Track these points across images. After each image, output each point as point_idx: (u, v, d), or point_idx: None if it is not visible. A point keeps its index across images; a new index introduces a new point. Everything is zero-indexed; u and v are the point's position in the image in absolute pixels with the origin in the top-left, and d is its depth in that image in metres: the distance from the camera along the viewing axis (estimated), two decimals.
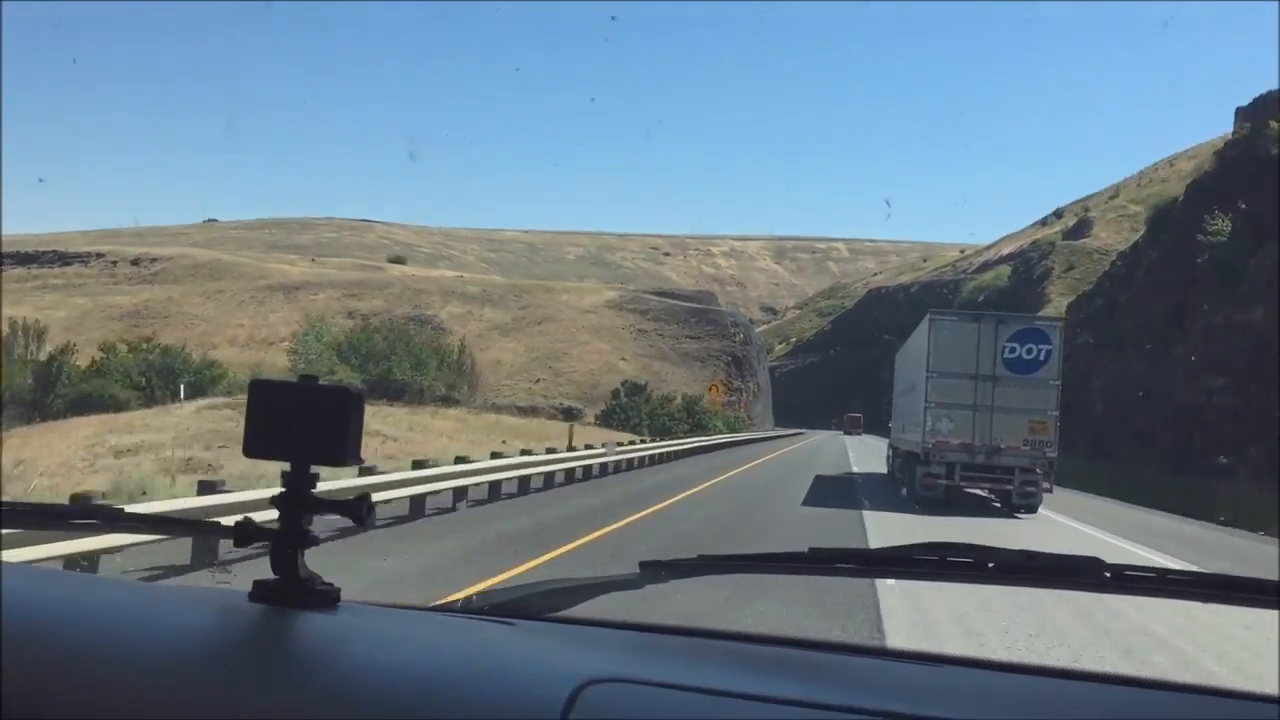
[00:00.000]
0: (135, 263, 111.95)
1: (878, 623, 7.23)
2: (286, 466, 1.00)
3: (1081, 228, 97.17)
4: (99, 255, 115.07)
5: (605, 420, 62.96)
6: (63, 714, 0.77)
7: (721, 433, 59.49)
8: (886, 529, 15.37)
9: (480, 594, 1.37)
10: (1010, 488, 19.56)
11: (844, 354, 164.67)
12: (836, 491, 23.46)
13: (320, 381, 1.00)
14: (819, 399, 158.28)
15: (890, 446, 30.65)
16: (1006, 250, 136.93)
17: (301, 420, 0.98)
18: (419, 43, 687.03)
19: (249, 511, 1.30)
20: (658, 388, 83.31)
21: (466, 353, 73.32)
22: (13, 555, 5.59)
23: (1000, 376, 19.64)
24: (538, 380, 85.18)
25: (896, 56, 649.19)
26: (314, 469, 1.01)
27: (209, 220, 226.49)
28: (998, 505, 20.75)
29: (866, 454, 48.09)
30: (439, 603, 1.36)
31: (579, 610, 1.34)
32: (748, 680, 0.92)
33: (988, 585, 1.29)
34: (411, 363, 57.02)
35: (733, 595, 7.15)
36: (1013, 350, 19.69)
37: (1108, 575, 1.14)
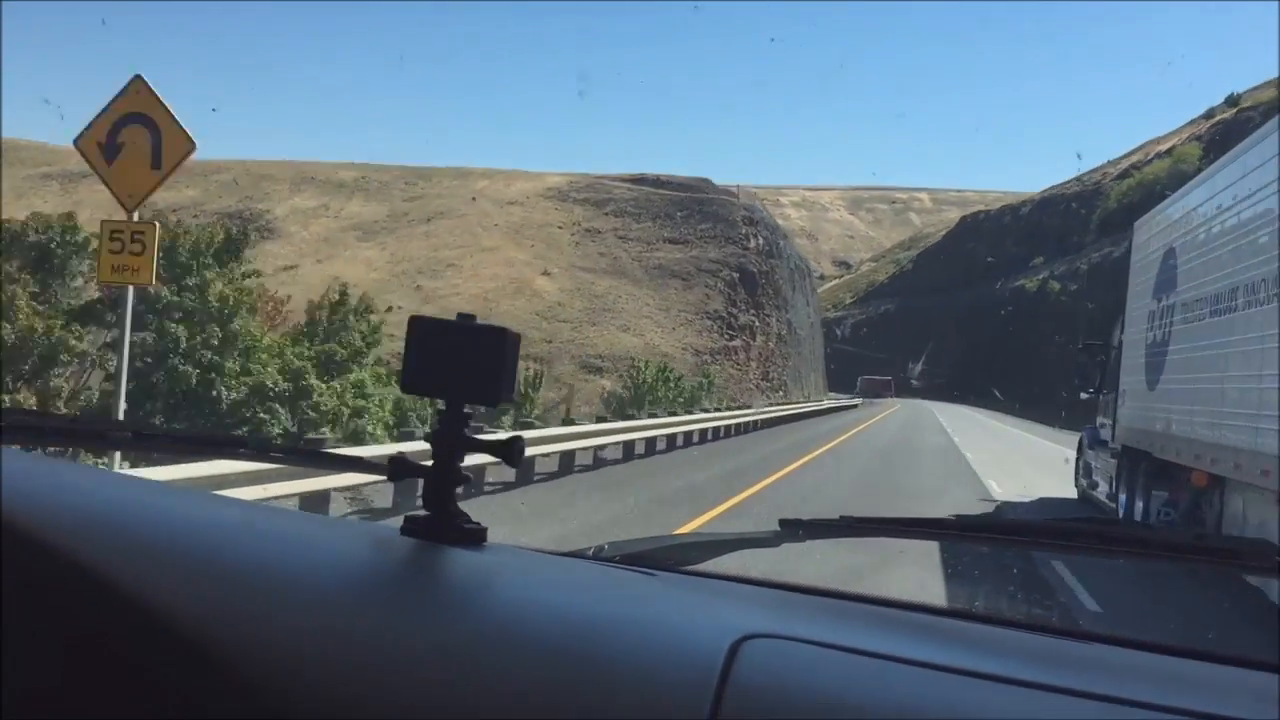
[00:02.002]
0: None
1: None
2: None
3: None
4: None
5: None
6: (226, 635, 0.79)
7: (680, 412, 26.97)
8: None
9: (612, 544, 1.32)
10: None
11: (926, 298, 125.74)
12: None
13: (477, 321, 1.02)
14: (890, 357, 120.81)
15: (1087, 450, 15.71)
16: (1164, 147, 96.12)
17: (458, 359, 1.00)
18: None
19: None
20: (597, 321, 46.25)
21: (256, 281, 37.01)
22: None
23: None
24: (389, 309, 48.48)
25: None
26: (467, 409, 1.02)
27: None
28: None
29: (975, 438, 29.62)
30: (572, 549, 1.26)
31: (715, 565, 1.28)
32: (901, 643, 0.92)
33: (1150, 563, 1.23)
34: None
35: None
36: None
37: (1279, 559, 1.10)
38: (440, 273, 51.74)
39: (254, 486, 6.59)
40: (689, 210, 58.58)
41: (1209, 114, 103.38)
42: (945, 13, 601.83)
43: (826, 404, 55.44)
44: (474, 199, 59.82)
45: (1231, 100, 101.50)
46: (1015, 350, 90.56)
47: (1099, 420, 14.91)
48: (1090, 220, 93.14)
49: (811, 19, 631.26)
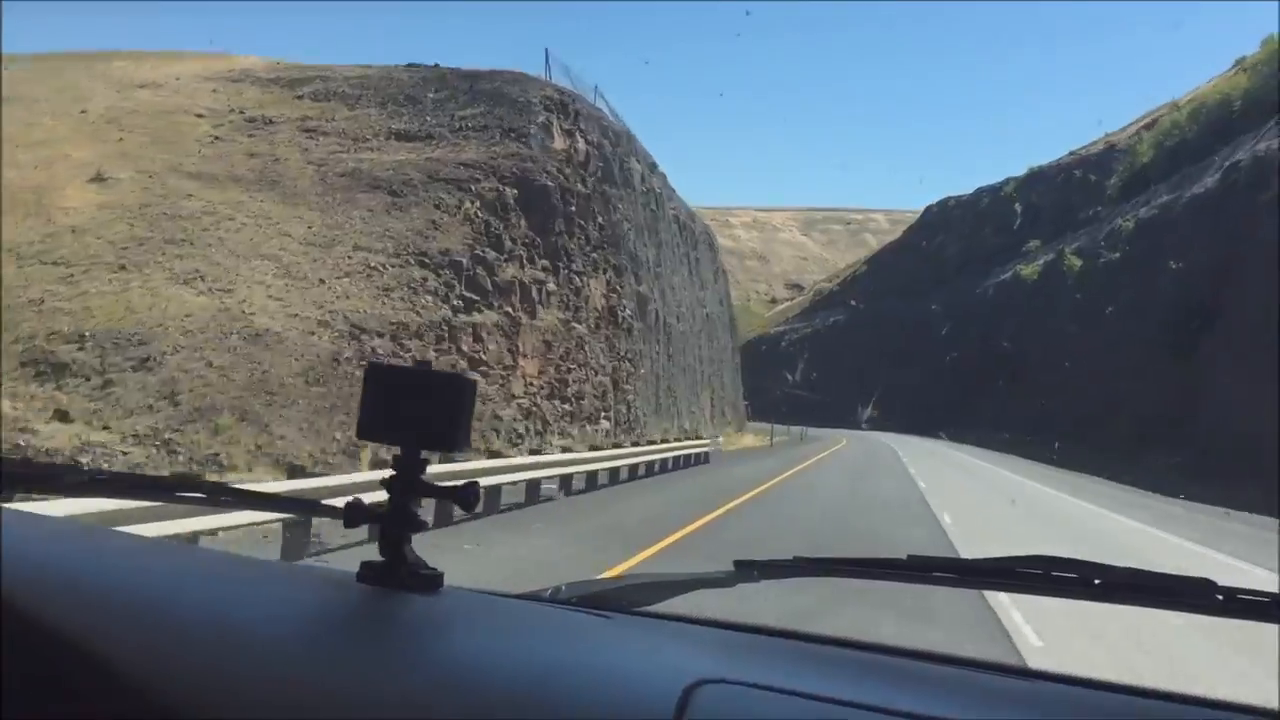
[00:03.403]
0: None
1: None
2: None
3: None
4: None
5: None
6: (172, 685, 0.78)
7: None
8: None
9: (570, 585, 1.33)
10: None
11: (886, 304, 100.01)
12: None
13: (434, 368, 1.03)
14: (843, 378, 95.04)
15: None
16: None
17: (415, 405, 0.99)
18: None
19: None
20: (145, 265, 18.77)
21: None
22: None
23: None
24: None
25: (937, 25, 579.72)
26: (423, 454, 1.03)
27: None
28: None
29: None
30: (528, 591, 1.30)
31: (670, 606, 1.32)
32: (854, 687, 0.93)
33: (1090, 603, 1.25)
34: None
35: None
36: None
37: (1219, 598, 1.10)
38: None
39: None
40: (453, 93, 32.00)
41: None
42: (899, 32, 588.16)
43: (702, 447, 29.12)
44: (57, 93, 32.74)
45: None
46: (1005, 358, 65.39)
47: None
48: (1104, 187, 68.24)
49: (760, 35, 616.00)
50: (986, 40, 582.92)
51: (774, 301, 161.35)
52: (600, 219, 32.29)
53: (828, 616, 6.47)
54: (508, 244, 26.02)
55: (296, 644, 0.86)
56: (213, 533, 7.55)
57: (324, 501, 1.34)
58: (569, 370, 27.01)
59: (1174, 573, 1.18)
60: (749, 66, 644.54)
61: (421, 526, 1.02)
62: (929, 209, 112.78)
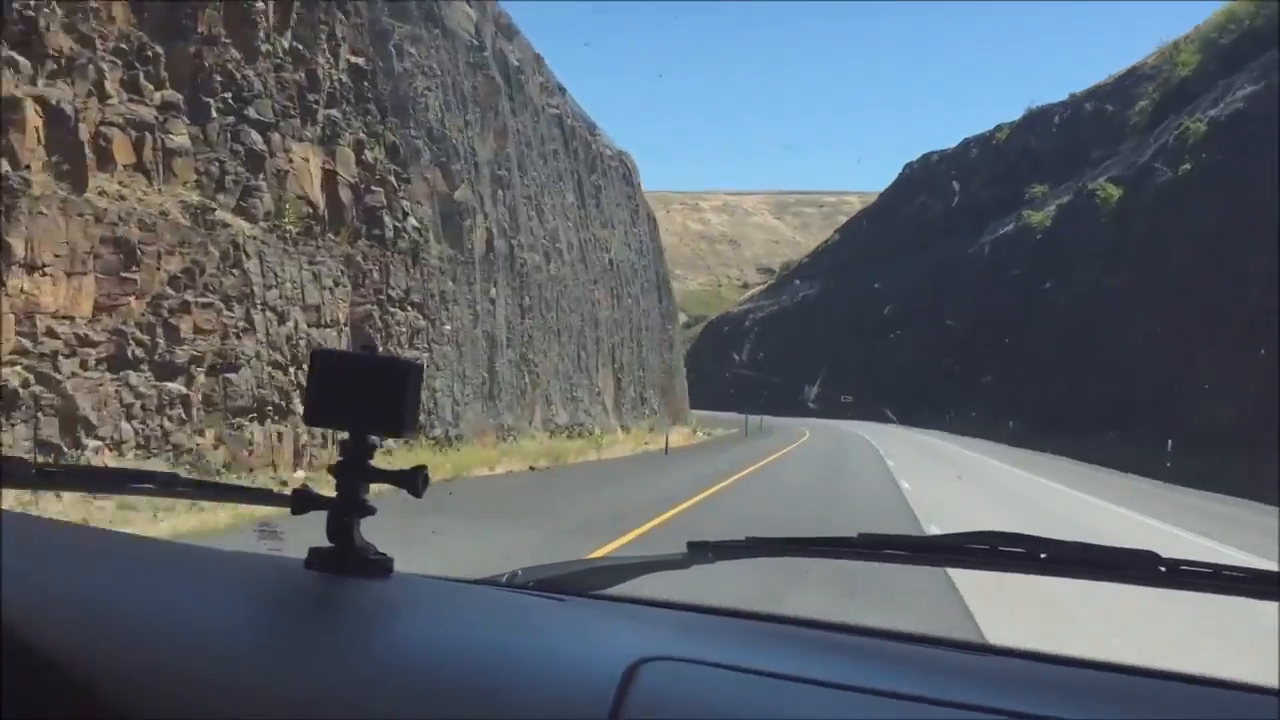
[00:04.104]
0: None
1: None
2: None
3: None
4: None
5: None
6: (115, 675, 0.77)
7: None
8: None
9: (526, 570, 1.34)
10: None
11: (860, 276, 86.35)
12: None
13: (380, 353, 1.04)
14: (810, 361, 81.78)
15: None
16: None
17: (361, 390, 1.00)
18: None
19: None
20: None
21: None
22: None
23: None
24: None
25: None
26: (371, 439, 1.04)
27: None
28: None
29: None
30: (485, 577, 1.30)
31: (626, 589, 1.34)
32: (803, 663, 0.93)
33: (1038, 576, 1.28)
34: None
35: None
36: None
37: (1162, 569, 1.13)
38: None
39: None
40: None
41: None
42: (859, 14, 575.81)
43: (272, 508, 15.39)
44: None
45: None
46: (1013, 322, 52.42)
47: None
48: (1124, 119, 54.79)
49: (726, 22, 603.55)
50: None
51: (745, 286, 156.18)
52: (360, 58, 18.13)
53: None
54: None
55: (242, 631, 0.85)
56: None
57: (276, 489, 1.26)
58: (199, 306, 12.82)
59: (1119, 547, 1.17)
60: (716, 47, 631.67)
61: (369, 511, 1.01)
62: (908, 166, 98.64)
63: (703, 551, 1.34)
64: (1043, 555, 1.16)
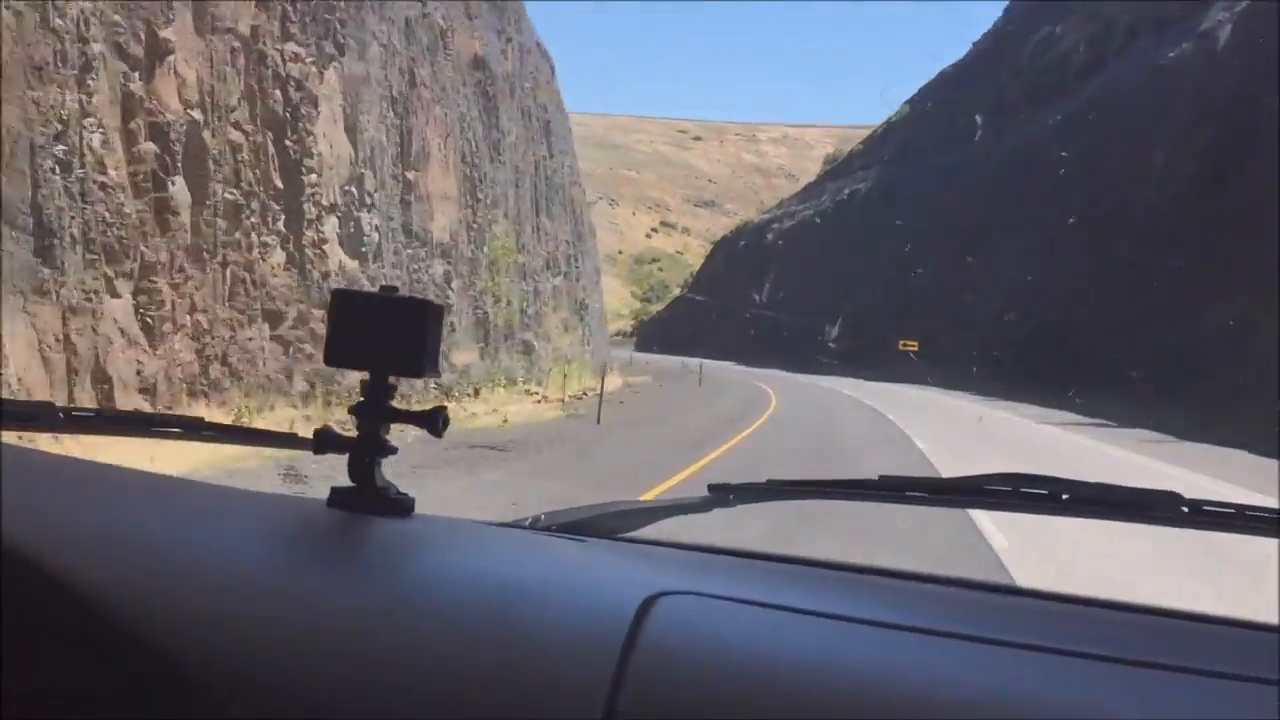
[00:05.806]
0: None
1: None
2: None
3: None
4: None
5: None
6: (142, 610, 0.80)
7: None
8: None
9: (548, 514, 1.34)
10: None
11: (916, 169, 69.85)
12: None
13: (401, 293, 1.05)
14: (831, 291, 68.56)
15: None
16: None
17: (382, 330, 1.02)
18: None
19: None
20: None
21: None
22: None
23: None
24: None
25: None
26: (392, 380, 1.04)
27: None
28: None
29: None
30: (508, 520, 1.31)
31: (647, 532, 1.34)
32: (821, 600, 0.94)
33: (1060, 517, 1.31)
34: None
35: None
36: None
37: (1185, 510, 1.13)
38: None
39: None
40: None
41: None
42: None
43: None
44: None
45: None
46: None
47: None
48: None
49: None
50: None
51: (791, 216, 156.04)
52: None
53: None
54: None
55: (263, 567, 0.88)
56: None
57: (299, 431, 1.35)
58: None
59: (1142, 488, 1.17)
60: None
61: (391, 451, 1.03)
62: (941, 73, 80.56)
63: (724, 494, 1.35)
64: (1064, 496, 1.18)
